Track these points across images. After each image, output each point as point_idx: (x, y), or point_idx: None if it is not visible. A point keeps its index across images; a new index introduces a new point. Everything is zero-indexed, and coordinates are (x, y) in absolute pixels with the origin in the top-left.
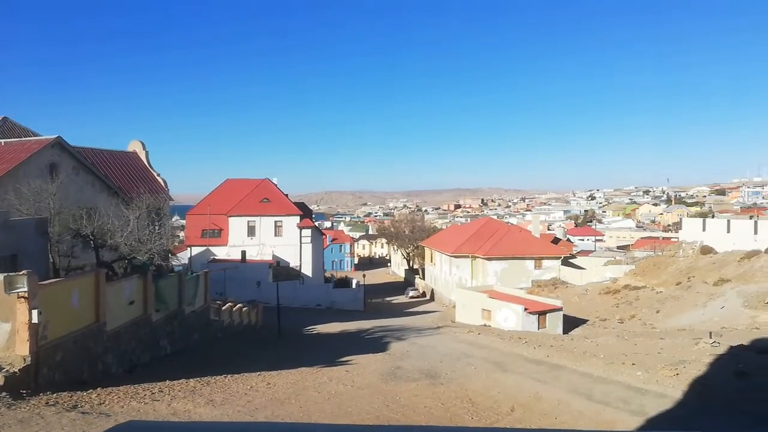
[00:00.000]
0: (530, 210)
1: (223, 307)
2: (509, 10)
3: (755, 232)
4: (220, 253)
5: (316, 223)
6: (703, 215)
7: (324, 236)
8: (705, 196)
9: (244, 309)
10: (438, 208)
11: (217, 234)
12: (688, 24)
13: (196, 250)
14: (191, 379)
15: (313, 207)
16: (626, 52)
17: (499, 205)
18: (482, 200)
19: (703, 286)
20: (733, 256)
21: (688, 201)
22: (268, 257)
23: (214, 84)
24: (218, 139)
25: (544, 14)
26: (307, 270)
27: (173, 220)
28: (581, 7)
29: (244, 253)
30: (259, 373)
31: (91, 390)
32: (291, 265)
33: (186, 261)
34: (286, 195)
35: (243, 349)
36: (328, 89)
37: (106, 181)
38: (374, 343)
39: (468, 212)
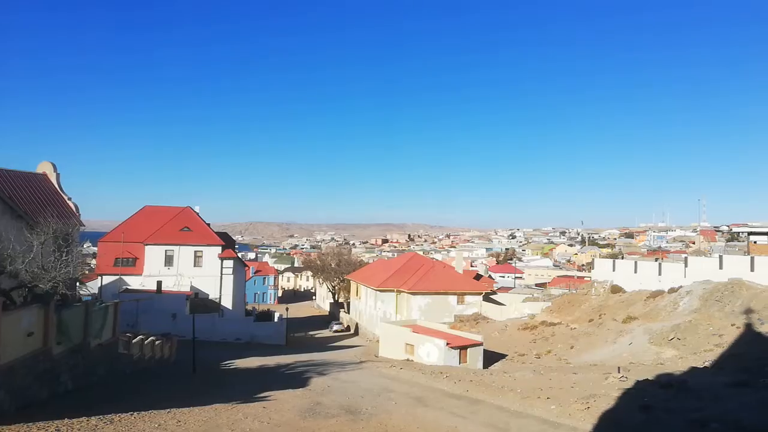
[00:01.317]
0: (454, 246)
1: (134, 341)
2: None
3: (659, 274)
4: (134, 283)
5: (240, 254)
6: (614, 256)
7: (247, 268)
8: (615, 239)
9: (157, 342)
10: (366, 242)
11: (132, 263)
12: (600, 75)
13: (107, 279)
14: (93, 417)
15: (238, 237)
16: (544, 100)
17: (425, 240)
18: (409, 236)
19: (613, 323)
20: (640, 295)
21: (601, 243)
22: (186, 288)
23: (134, 106)
24: (138, 164)
25: (469, 54)
26: (227, 302)
27: (84, 246)
28: (503, 55)
29: (160, 283)
30: (169, 410)
31: None
32: (210, 297)
33: (96, 290)
34: (209, 224)
35: (153, 384)
36: (254, 118)
37: (10, 203)
38: (294, 379)
39: (395, 247)
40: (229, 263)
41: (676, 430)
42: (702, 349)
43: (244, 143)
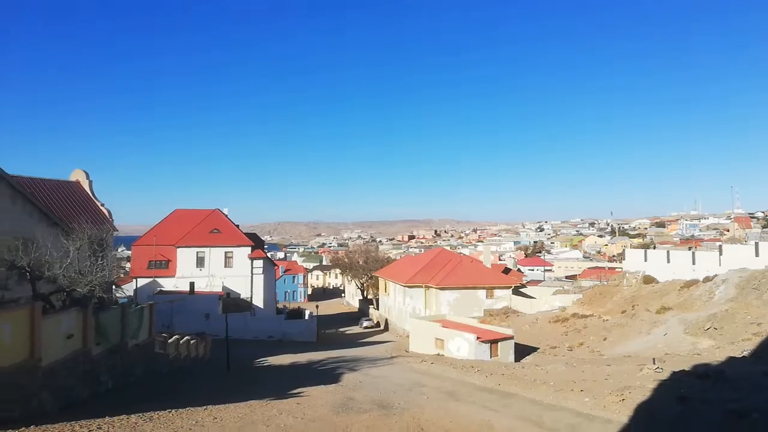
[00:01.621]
0: (482, 241)
1: (170, 340)
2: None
3: (693, 263)
4: (168, 284)
5: (269, 254)
6: (645, 246)
7: (276, 267)
8: (646, 228)
9: (192, 342)
10: (392, 239)
11: (165, 265)
12: (627, 65)
13: (141, 282)
14: (132, 415)
15: (266, 238)
16: (570, 93)
17: (452, 236)
18: (435, 231)
19: (646, 314)
20: (673, 285)
21: (631, 233)
22: (218, 289)
23: (163, 112)
24: (167, 169)
25: (480, 52)
26: (258, 301)
27: (118, 251)
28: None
29: (192, 284)
30: (205, 407)
31: (24, 428)
32: (242, 297)
33: (131, 293)
34: (237, 226)
35: (189, 382)
36: (280, 120)
37: (46, 211)
38: (326, 375)
39: (422, 243)
40: (259, 263)
41: (714, 421)
42: (739, 338)
43: (269, 145)
